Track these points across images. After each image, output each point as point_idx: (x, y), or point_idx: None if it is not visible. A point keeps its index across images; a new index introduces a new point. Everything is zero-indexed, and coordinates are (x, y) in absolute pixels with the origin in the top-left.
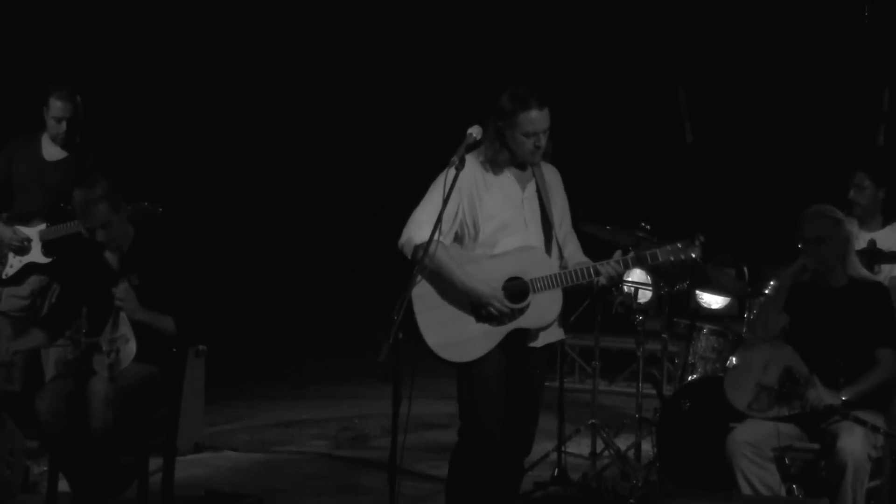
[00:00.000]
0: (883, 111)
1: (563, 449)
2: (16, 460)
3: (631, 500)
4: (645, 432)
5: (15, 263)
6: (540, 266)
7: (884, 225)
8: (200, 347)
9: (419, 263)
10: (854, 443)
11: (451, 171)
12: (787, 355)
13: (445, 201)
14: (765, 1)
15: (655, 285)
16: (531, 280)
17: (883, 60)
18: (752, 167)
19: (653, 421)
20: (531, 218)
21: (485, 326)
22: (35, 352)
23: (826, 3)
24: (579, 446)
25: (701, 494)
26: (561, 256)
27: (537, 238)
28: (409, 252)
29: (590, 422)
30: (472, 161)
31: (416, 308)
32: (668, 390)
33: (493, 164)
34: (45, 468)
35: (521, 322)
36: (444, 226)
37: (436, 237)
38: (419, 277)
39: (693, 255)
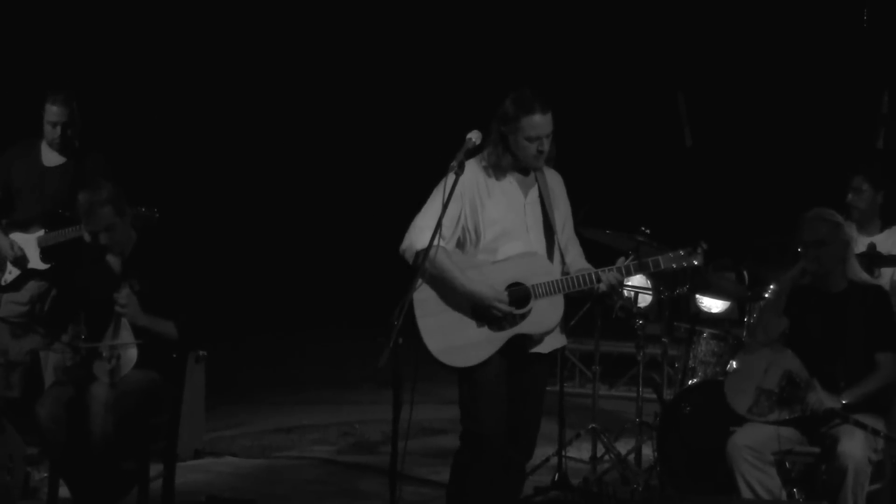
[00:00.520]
0: (882, 114)
1: (563, 453)
2: (16, 466)
3: None
4: (645, 436)
5: (14, 270)
6: (542, 272)
7: (882, 229)
8: (201, 353)
9: (420, 268)
10: (854, 446)
11: (451, 177)
12: (787, 359)
13: (445, 206)
14: (764, 5)
15: (655, 289)
16: (533, 286)
17: (882, 64)
18: (751, 171)
19: (653, 425)
20: (533, 223)
21: (486, 331)
22: (35, 358)
23: (825, 7)
24: (580, 451)
25: (702, 499)
26: (563, 262)
27: (539, 244)
28: (410, 257)
29: (590, 426)
30: (474, 166)
31: (418, 313)
32: (668, 394)
33: (496, 170)
34: (46, 474)
35: (523, 328)
36: (446, 231)
37: (436, 242)
38: (420, 282)
39: (696, 263)
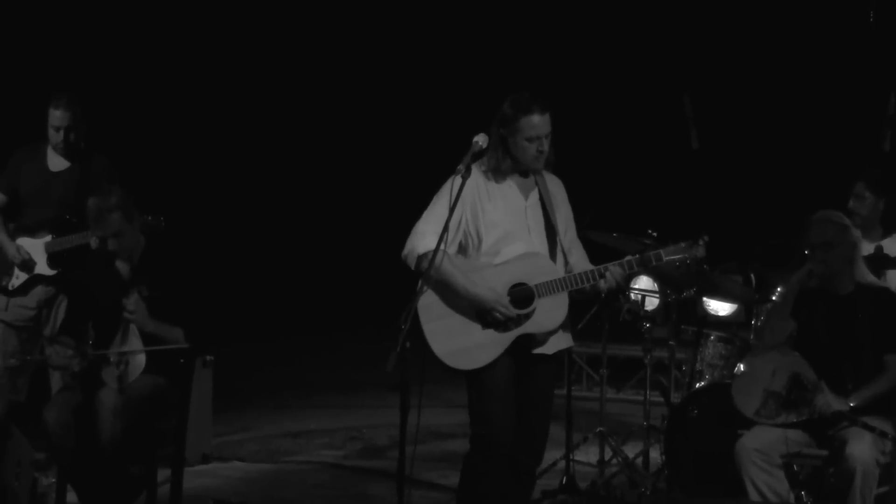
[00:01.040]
0: (889, 116)
1: (571, 457)
2: (23, 472)
3: None
4: (653, 440)
5: (21, 275)
6: (544, 271)
7: (884, 236)
8: (208, 358)
9: (424, 274)
10: (862, 449)
11: (458, 180)
12: (794, 362)
13: (452, 209)
14: (770, 7)
15: (662, 293)
16: (536, 285)
17: (889, 65)
18: (758, 173)
19: (661, 428)
20: (534, 226)
21: (492, 333)
22: (43, 362)
23: (831, 8)
24: (587, 454)
25: (710, 502)
26: (566, 263)
27: (541, 245)
28: (412, 263)
29: (598, 430)
30: (474, 171)
31: (423, 319)
32: (675, 398)
33: (496, 173)
34: (54, 480)
35: (528, 327)
36: (448, 235)
37: (441, 246)
38: (425, 288)
39: (697, 255)
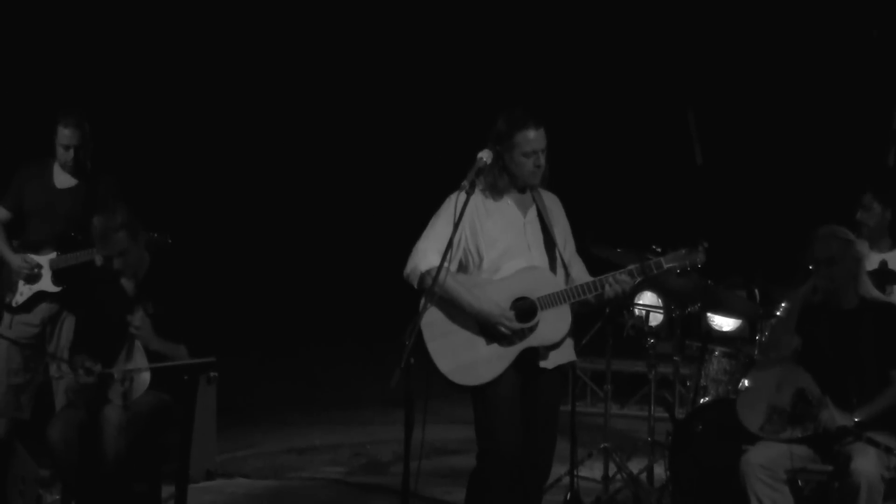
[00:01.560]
0: (893, 131)
1: (575, 473)
2: (28, 489)
3: None
4: (657, 455)
5: (25, 291)
6: (546, 284)
7: (893, 246)
8: (212, 374)
9: (427, 291)
10: (867, 464)
11: (462, 196)
12: (799, 377)
13: (456, 225)
14: (773, 23)
15: (667, 308)
16: (538, 298)
17: (892, 81)
18: (762, 189)
19: (665, 444)
20: (534, 242)
21: (496, 348)
22: (47, 380)
23: (835, 24)
24: (592, 470)
25: None
26: (567, 277)
27: (541, 261)
28: (415, 281)
29: (602, 445)
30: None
31: (426, 336)
32: (680, 413)
33: (493, 191)
34: (58, 497)
35: (532, 340)
36: (452, 253)
37: (446, 263)
38: (428, 305)
39: (697, 261)
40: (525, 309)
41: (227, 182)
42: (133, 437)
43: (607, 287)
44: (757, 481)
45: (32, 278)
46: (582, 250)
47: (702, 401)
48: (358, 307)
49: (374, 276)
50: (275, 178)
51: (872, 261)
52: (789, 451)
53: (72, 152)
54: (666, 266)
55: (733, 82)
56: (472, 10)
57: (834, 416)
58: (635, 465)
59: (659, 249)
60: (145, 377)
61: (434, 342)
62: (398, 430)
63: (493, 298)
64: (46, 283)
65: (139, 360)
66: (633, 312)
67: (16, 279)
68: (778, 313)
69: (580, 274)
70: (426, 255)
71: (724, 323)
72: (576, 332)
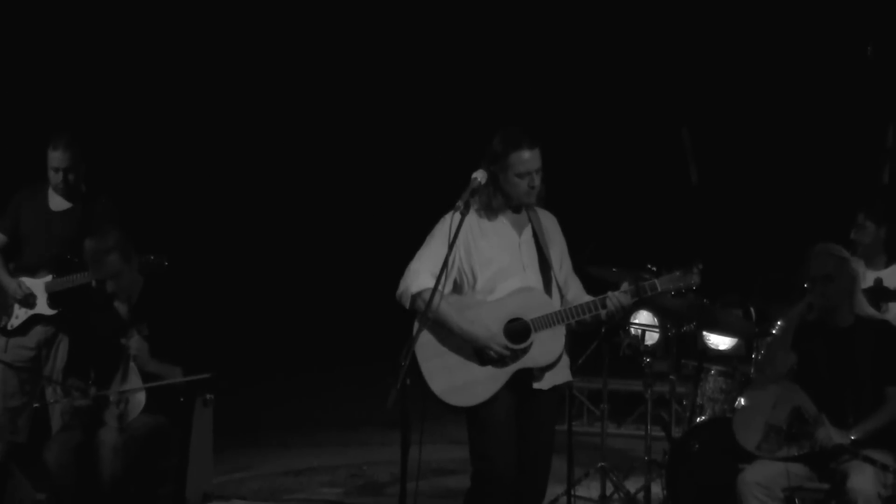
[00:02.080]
0: (887, 148)
1: (572, 492)
2: None
3: None
4: (654, 475)
5: (20, 314)
6: (540, 306)
7: (888, 264)
8: (208, 396)
9: (425, 310)
10: (864, 482)
11: (456, 216)
12: (795, 395)
13: (451, 245)
14: (768, 41)
15: (662, 327)
16: (532, 320)
17: (886, 98)
18: (757, 207)
19: (662, 463)
20: (529, 262)
21: (490, 369)
22: (42, 403)
23: (829, 41)
24: (589, 489)
25: None
26: (562, 298)
27: (536, 281)
28: (406, 302)
29: (599, 465)
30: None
31: (420, 357)
32: (676, 432)
33: (488, 210)
34: None
35: (525, 362)
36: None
37: (440, 287)
38: (422, 326)
39: (692, 283)
40: (519, 330)
41: (225, 204)
42: (129, 459)
43: (608, 303)
44: (754, 500)
45: (27, 304)
46: (577, 269)
47: (698, 419)
48: (355, 329)
49: (370, 297)
50: (270, 201)
51: (868, 278)
52: (786, 470)
53: (61, 174)
54: (660, 288)
55: (728, 101)
56: (467, 30)
57: (830, 434)
58: (632, 485)
59: (654, 269)
60: (140, 398)
61: (428, 363)
62: (395, 451)
63: (486, 320)
64: (42, 307)
65: (134, 381)
66: (629, 331)
67: (11, 301)
68: (774, 331)
69: (577, 293)
70: (418, 276)
71: (720, 342)
72: (572, 351)
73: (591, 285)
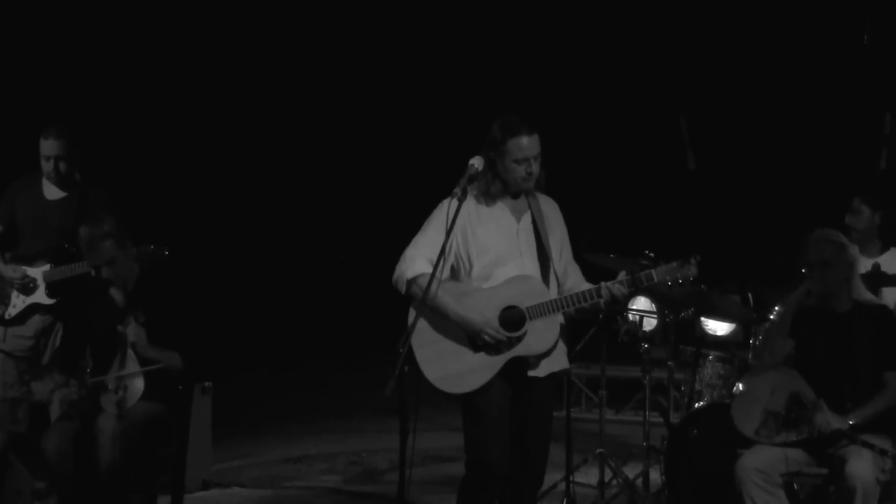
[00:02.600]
0: (884, 135)
1: (571, 479)
2: (23, 501)
3: None
4: (653, 461)
5: (18, 304)
6: (535, 294)
7: (882, 250)
8: (207, 384)
9: (414, 299)
10: (863, 467)
11: (454, 203)
12: (793, 380)
13: (448, 232)
14: (765, 28)
15: (661, 313)
16: (527, 308)
17: (883, 85)
18: (755, 193)
19: (660, 449)
20: (526, 249)
21: (483, 356)
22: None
23: (826, 29)
24: (587, 476)
25: None
26: (560, 286)
27: (533, 268)
28: (402, 287)
29: (597, 451)
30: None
31: (415, 344)
32: (675, 418)
33: (486, 197)
34: None
35: (519, 350)
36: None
37: (437, 273)
38: (418, 311)
39: (689, 274)
40: (513, 318)
41: (224, 193)
42: (128, 446)
43: (603, 293)
44: (752, 485)
45: (26, 290)
46: (575, 256)
47: (696, 405)
48: (353, 317)
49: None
50: (270, 189)
51: (862, 266)
52: (784, 455)
53: (52, 163)
54: (657, 279)
55: (725, 88)
56: (465, 19)
57: (829, 420)
58: (631, 471)
59: (652, 255)
60: (139, 385)
61: (422, 349)
62: (393, 438)
63: (482, 307)
64: (40, 296)
65: (132, 367)
66: (627, 318)
67: (9, 290)
68: (772, 317)
69: (576, 280)
70: (413, 261)
71: (718, 327)
72: (570, 338)
73: (589, 272)
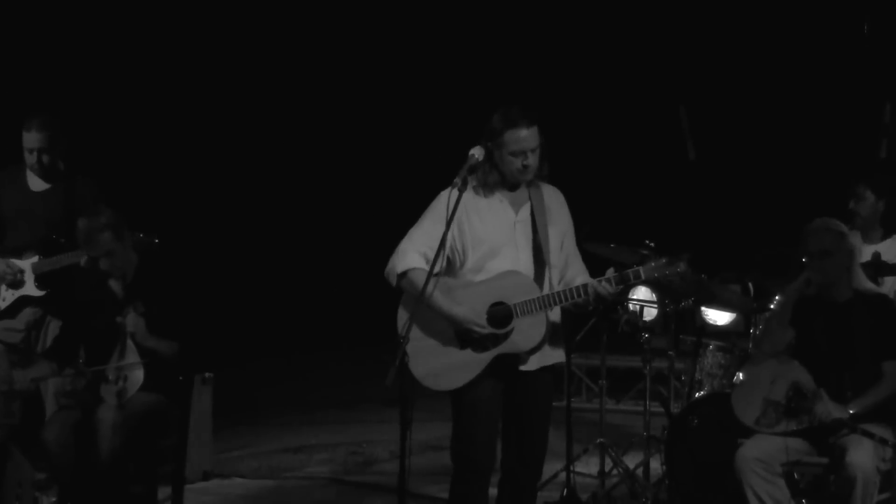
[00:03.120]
0: (884, 124)
1: (571, 469)
2: (24, 492)
3: None
4: (653, 450)
5: (8, 297)
6: (524, 290)
7: (884, 237)
8: (207, 375)
9: (408, 292)
10: (863, 456)
11: (454, 193)
12: (793, 370)
13: (449, 222)
14: (765, 18)
15: (661, 303)
16: (514, 304)
17: (883, 75)
18: (755, 183)
19: (661, 439)
20: (523, 241)
21: (469, 353)
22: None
23: (826, 18)
24: (588, 466)
25: None
26: (559, 278)
27: (528, 261)
28: (392, 281)
29: (598, 441)
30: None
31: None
32: (675, 408)
33: (485, 187)
34: (55, 499)
35: (506, 347)
36: (431, 252)
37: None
38: (421, 301)
39: (678, 271)
40: (501, 315)
41: (223, 183)
42: (128, 437)
43: (589, 292)
44: (753, 475)
45: (16, 284)
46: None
47: (697, 395)
48: (353, 308)
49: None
50: (268, 180)
51: (865, 252)
52: (785, 445)
53: (36, 155)
54: (644, 276)
55: (725, 77)
56: (464, 8)
57: (829, 409)
58: (631, 460)
59: (652, 244)
60: (139, 375)
61: (412, 344)
62: (394, 428)
63: (471, 302)
64: (30, 288)
65: (131, 357)
66: (627, 308)
67: None
68: (772, 307)
69: (577, 274)
70: (405, 255)
71: (718, 317)
72: (571, 328)
73: (589, 262)
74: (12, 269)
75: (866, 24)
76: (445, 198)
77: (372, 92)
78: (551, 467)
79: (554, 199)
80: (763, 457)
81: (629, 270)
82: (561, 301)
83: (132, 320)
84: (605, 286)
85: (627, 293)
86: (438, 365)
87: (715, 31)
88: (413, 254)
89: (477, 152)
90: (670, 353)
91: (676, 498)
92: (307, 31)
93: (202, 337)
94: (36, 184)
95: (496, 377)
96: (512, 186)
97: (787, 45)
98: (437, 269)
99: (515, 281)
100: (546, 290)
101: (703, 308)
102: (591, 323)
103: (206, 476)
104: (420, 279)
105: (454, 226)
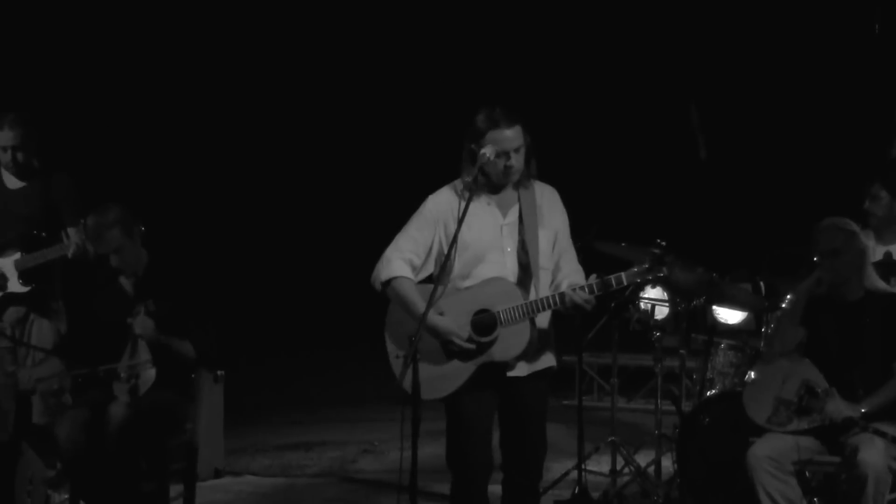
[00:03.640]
0: (895, 123)
1: (583, 467)
2: (36, 489)
3: None
4: (665, 449)
5: None
6: (508, 297)
7: None
8: (219, 373)
9: (394, 301)
10: (874, 455)
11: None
12: (805, 369)
13: (459, 223)
14: (776, 16)
15: (672, 302)
16: (498, 312)
17: (894, 73)
18: (766, 182)
19: (672, 437)
20: (510, 245)
21: (455, 363)
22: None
23: (837, 17)
24: (599, 464)
25: None
26: (550, 280)
27: (514, 266)
28: (377, 288)
29: (609, 439)
30: (448, 192)
31: (390, 349)
32: (686, 406)
33: (470, 191)
34: (66, 497)
35: (490, 355)
36: (418, 259)
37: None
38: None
39: (661, 275)
40: (486, 323)
41: (231, 182)
42: (140, 435)
43: (567, 300)
44: (764, 473)
45: (1, 285)
46: (586, 246)
47: (708, 394)
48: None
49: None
50: (272, 179)
51: (878, 253)
52: (796, 443)
53: (10, 153)
54: (626, 281)
55: (736, 76)
56: (465, 9)
57: (840, 408)
58: (643, 459)
59: (663, 243)
60: (151, 372)
61: (402, 352)
62: (405, 425)
63: (455, 310)
64: (14, 285)
65: (144, 356)
66: (638, 306)
67: None
68: (783, 306)
69: (570, 273)
70: (389, 263)
71: (729, 316)
72: (582, 326)
73: (600, 261)
74: None
75: (877, 23)
76: (432, 203)
77: (371, 90)
78: (562, 465)
79: (546, 199)
80: (774, 455)
81: (611, 276)
82: (542, 308)
83: (140, 322)
84: (579, 294)
85: (639, 293)
86: (424, 374)
87: (726, 29)
88: (398, 262)
89: (489, 151)
90: (682, 351)
91: (688, 496)
92: (306, 32)
93: (213, 335)
94: (11, 182)
95: (486, 385)
96: (499, 188)
97: (797, 44)
98: (426, 273)
99: (500, 288)
100: (533, 296)
101: (714, 307)
102: (602, 322)
103: (218, 473)
104: (404, 288)
105: (441, 231)
